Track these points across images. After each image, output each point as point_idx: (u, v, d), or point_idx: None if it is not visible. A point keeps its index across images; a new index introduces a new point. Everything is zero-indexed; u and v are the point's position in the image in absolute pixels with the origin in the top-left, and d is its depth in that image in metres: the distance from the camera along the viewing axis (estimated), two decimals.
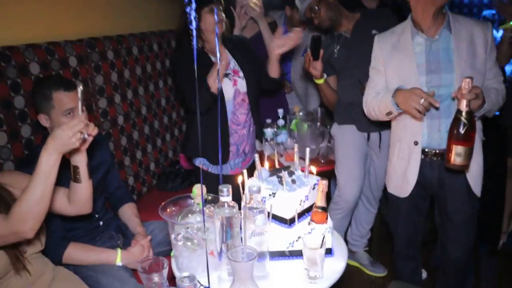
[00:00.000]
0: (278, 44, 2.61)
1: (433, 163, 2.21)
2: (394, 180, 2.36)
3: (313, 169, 1.98)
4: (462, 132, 1.86)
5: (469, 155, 1.90)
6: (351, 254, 3.36)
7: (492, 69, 2.18)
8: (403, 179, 2.29)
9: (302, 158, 3.03)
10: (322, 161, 3.03)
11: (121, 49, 3.23)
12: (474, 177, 2.19)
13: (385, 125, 2.62)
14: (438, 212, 2.38)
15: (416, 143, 2.20)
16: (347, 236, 3.34)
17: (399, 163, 2.30)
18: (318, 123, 3.15)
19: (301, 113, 3.30)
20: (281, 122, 3.24)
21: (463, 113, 1.87)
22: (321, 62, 2.75)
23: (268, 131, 3.18)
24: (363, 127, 2.85)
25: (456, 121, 1.89)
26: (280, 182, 1.83)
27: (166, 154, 3.87)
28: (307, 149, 1.94)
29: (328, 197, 3.02)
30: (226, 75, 2.67)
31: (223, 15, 2.62)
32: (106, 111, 3.05)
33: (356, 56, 2.75)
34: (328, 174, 3.10)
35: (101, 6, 3.17)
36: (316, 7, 2.76)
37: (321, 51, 2.73)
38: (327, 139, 3.11)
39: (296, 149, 2.01)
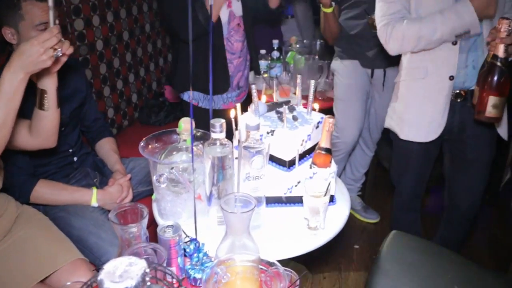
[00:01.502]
0: None
1: (455, 105, 1.95)
2: (414, 124, 2.02)
3: (316, 105, 1.74)
4: (501, 81, 1.63)
5: (503, 107, 1.68)
6: None
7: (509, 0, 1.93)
8: (428, 121, 1.98)
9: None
10: (320, 98, 2.80)
11: None
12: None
13: (391, 61, 2.37)
14: (452, 160, 2.15)
15: (452, 77, 1.89)
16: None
17: (422, 104, 1.98)
18: (316, 57, 2.88)
19: (297, 45, 3.03)
20: (275, 54, 2.95)
21: (502, 60, 1.62)
22: None
23: (262, 63, 2.91)
24: (368, 62, 2.59)
25: (492, 68, 1.64)
26: (280, 118, 1.59)
27: (150, 85, 3.60)
28: (312, 82, 1.69)
29: None
30: None
31: None
32: (82, 34, 2.74)
33: None
34: (326, 112, 2.87)
35: None
36: None
37: None
38: (325, 75, 2.85)
39: (298, 81, 1.76)
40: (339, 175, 3.04)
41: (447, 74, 1.89)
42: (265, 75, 2.92)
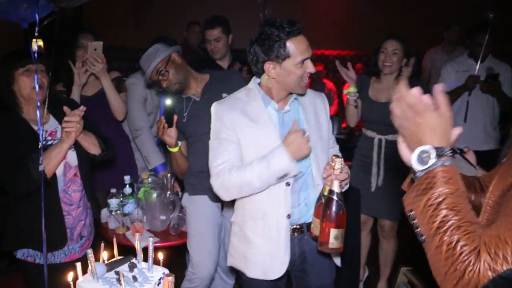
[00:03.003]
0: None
1: (294, 239, 2.08)
2: (259, 264, 2.06)
3: (161, 255, 1.72)
4: (339, 214, 1.78)
5: (343, 237, 1.83)
6: None
7: (331, 137, 2.24)
8: (272, 260, 2.04)
9: (151, 231, 2.80)
10: (174, 233, 2.78)
11: None
12: None
13: None
14: None
15: (289, 216, 2.02)
16: None
17: (265, 243, 2.05)
18: (169, 192, 2.91)
19: (149, 180, 3.05)
20: (127, 190, 2.93)
21: (338, 194, 1.80)
22: (176, 128, 2.56)
23: (113, 202, 2.86)
24: (217, 197, 2.66)
25: (329, 202, 1.80)
26: (119, 280, 1.54)
27: None
28: (151, 239, 1.68)
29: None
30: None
31: (46, 78, 2.25)
32: None
33: (206, 121, 2.58)
34: (181, 247, 2.86)
35: None
36: (164, 69, 2.57)
37: (175, 117, 2.54)
38: (178, 209, 2.88)
39: (137, 237, 1.74)
40: None
41: (284, 213, 2.02)
42: (118, 213, 2.86)
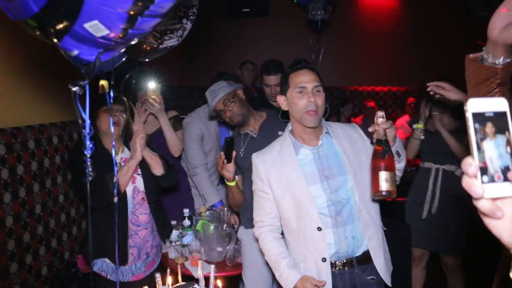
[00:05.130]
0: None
1: (344, 274, 2.14)
2: None
3: (219, 283, 1.87)
4: (385, 158, 1.86)
5: (394, 181, 1.88)
6: None
7: None
8: None
9: (208, 261, 2.94)
10: (229, 264, 2.92)
11: (15, 143, 3.03)
12: (384, 269, 2.17)
13: None
14: None
15: (324, 259, 2.10)
16: None
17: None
18: (225, 225, 3.06)
19: (207, 213, 3.22)
20: (186, 222, 3.11)
21: (383, 141, 1.90)
22: (234, 164, 2.72)
23: (173, 234, 3.05)
24: None
25: (377, 150, 1.90)
26: None
27: (62, 255, 3.58)
28: (212, 267, 1.83)
29: None
30: None
31: (123, 117, 2.59)
32: None
33: None
34: (236, 278, 2.99)
35: None
36: (230, 100, 2.78)
37: (234, 153, 2.71)
38: (234, 241, 3.02)
39: (199, 265, 1.90)
40: None
41: (320, 257, 2.11)
42: (177, 244, 3.04)
